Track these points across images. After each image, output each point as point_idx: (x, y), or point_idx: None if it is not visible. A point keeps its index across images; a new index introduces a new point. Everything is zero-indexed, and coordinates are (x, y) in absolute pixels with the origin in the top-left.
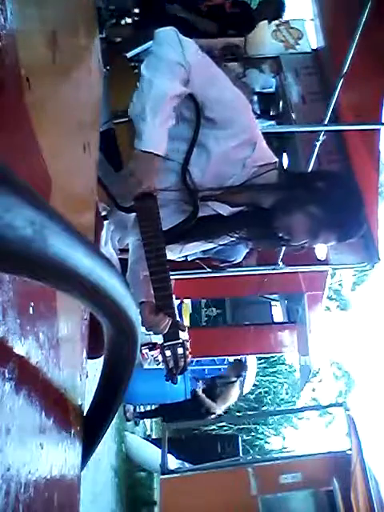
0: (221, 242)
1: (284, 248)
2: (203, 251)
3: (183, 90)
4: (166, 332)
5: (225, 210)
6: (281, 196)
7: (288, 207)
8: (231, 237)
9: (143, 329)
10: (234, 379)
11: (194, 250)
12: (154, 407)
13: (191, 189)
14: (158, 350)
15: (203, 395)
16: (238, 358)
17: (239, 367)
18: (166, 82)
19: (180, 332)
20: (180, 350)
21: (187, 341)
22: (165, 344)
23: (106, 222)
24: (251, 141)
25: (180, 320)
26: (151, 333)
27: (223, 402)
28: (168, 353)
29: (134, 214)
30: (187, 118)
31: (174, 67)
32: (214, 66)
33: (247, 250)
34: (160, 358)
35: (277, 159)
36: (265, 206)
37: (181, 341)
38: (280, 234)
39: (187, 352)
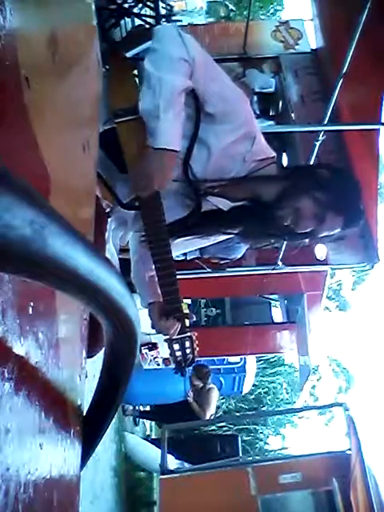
0: (216, 240)
1: (284, 245)
2: (201, 250)
3: (189, 84)
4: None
5: (225, 204)
6: (283, 186)
7: (294, 193)
8: (231, 232)
9: (149, 329)
10: (202, 384)
11: (187, 248)
12: (150, 408)
13: (193, 183)
14: (163, 346)
15: (194, 404)
16: (199, 363)
17: (201, 372)
18: (175, 78)
19: (187, 322)
20: (187, 343)
21: (194, 334)
22: (173, 337)
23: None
24: (250, 135)
25: (190, 311)
26: (153, 332)
27: (208, 407)
28: (176, 346)
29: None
30: (187, 115)
31: (179, 62)
32: (212, 60)
33: (247, 247)
34: (167, 350)
35: (275, 154)
36: (265, 199)
37: (189, 334)
38: (286, 223)
39: (195, 344)
